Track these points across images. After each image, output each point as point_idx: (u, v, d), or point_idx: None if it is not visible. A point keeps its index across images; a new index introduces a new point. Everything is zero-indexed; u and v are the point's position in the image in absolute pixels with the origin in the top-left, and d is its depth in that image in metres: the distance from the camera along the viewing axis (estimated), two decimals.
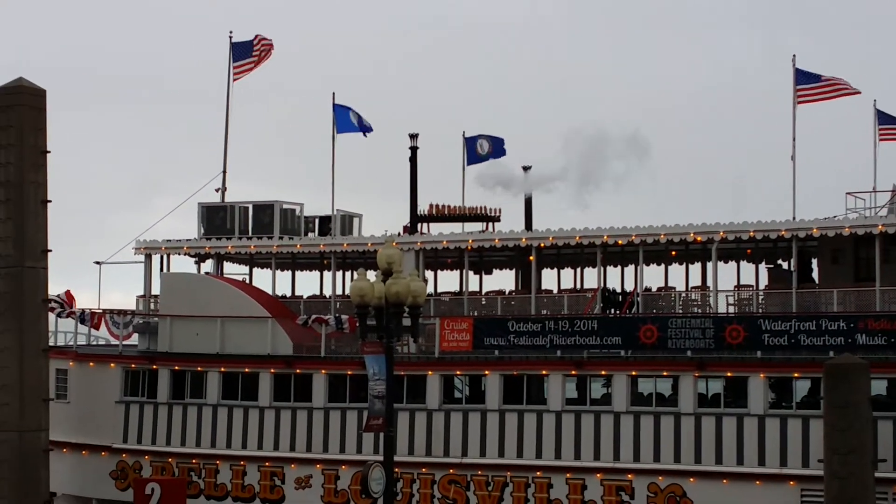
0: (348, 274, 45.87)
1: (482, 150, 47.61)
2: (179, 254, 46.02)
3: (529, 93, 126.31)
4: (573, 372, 38.79)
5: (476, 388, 41.15)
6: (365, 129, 46.51)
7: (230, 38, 47.14)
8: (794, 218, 38.68)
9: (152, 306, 45.67)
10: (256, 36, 47.28)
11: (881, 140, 41.80)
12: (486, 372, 39.78)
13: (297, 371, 41.93)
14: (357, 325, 29.95)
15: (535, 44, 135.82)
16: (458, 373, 40.75)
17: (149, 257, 45.90)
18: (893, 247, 38.23)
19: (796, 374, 36.41)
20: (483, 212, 45.08)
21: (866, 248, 38.36)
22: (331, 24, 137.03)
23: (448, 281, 47.43)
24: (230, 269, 47.85)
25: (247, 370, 42.47)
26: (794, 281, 38.36)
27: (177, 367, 43.42)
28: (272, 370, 42.14)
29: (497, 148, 47.81)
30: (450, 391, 40.97)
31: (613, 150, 43.08)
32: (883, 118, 41.92)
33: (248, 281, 46.93)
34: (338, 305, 43.49)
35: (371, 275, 28.37)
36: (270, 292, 44.84)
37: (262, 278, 46.98)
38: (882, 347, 35.14)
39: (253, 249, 44.90)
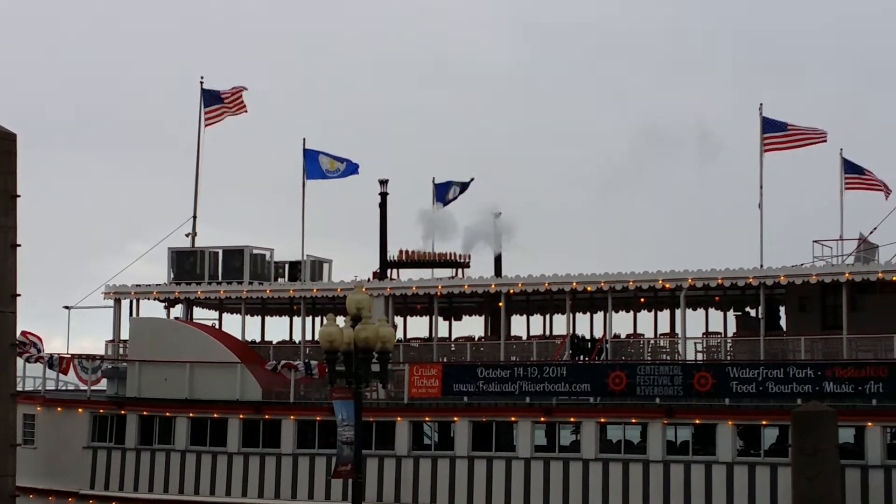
0: (318, 319, 45.80)
1: (453, 195, 47.74)
2: (149, 298, 45.90)
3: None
4: (542, 419, 38.80)
5: (445, 435, 41.10)
6: (349, 170, 46.43)
7: (201, 83, 47.31)
8: (761, 266, 38.91)
9: (121, 351, 45.50)
10: (233, 89, 47.38)
11: (847, 189, 42.16)
12: (455, 418, 39.75)
13: (266, 417, 41.79)
14: (326, 370, 29.92)
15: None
16: (426, 419, 40.69)
17: (118, 302, 45.78)
18: (860, 295, 38.51)
19: (764, 422, 36.51)
20: (453, 258, 45.19)
21: (833, 296, 38.60)
22: (305, 68, 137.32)
23: (417, 327, 47.50)
24: (200, 314, 47.77)
25: (215, 416, 42.31)
26: (761, 328, 38.53)
27: (145, 413, 43.23)
28: (241, 416, 41.99)
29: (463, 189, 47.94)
30: (419, 437, 40.89)
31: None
32: (849, 167, 42.30)
33: (217, 326, 46.81)
34: (307, 351, 43.44)
35: (340, 320, 28.38)
36: (240, 337, 44.73)
37: (232, 323, 46.92)
38: (849, 395, 35.29)
39: (223, 294, 44.83)
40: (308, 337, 44.40)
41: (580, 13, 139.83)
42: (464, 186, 48.07)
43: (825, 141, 41.52)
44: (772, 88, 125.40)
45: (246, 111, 47.46)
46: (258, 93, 46.99)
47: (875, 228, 40.20)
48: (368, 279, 43.94)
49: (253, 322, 48.15)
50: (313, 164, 46.16)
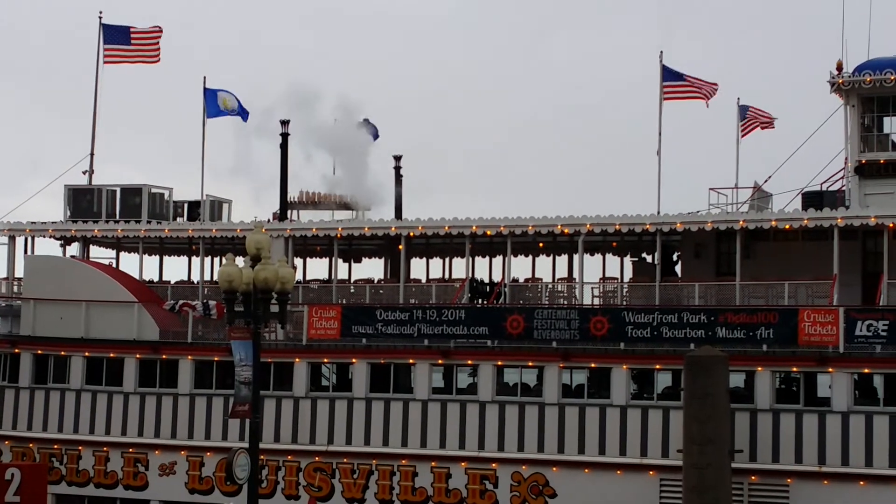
0: (217, 260, 45.60)
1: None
2: (44, 236, 45.27)
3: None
4: (440, 361, 39.07)
5: (343, 376, 41.27)
6: (242, 112, 45.94)
7: (100, 18, 46.46)
8: (658, 212, 39.36)
9: (15, 289, 44.94)
10: (149, 30, 45.99)
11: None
12: (354, 360, 39.90)
13: (164, 357, 41.63)
14: (225, 310, 29.85)
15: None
16: (325, 360, 40.79)
17: (12, 239, 45.11)
18: (754, 242, 39.21)
19: (658, 366, 37.10)
20: (353, 200, 45.12)
21: (728, 244, 39.27)
22: (209, 5, 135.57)
23: (317, 268, 47.52)
24: (96, 252, 47.26)
25: (112, 355, 42.04)
26: (657, 274, 39.06)
27: (40, 352, 42.83)
28: (138, 356, 41.78)
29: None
30: (317, 379, 41.00)
31: None
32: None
33: (114, 265, 46.38)
34: (206, 291, 43.25)
35: (240, 261, 28.31)
36: (137, 277, 44.39)
37: (130, 263, 46.51)
38: (741, 341, 35.93)
39: (120, 233, 44.40)
40: (207, 277, 44.20)
41: None
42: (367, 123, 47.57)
43: (711, 96, 41.95)
44: (678, 35, 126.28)
45: (158, 60, 46.34)
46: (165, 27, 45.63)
47: (769, 177, 40.92)
48: (268, 220, 43.79)
49: (151, 262, 47.84)
50: (213, 103, 45.67)
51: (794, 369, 35.74)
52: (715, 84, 42.09)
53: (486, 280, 43.45)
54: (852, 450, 34.68)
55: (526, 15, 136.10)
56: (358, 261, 48.34)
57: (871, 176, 38.71)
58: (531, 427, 37.77)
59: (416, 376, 39.26)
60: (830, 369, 35.09)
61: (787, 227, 37.29)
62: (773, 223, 37.23)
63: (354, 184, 45.24)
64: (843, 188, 39.72)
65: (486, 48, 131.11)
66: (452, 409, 38.63)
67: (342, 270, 46.39)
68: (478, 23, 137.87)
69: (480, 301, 41.33)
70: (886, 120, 39.64)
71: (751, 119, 43.73)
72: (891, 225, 35.91)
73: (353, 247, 46.40)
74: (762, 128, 44.49)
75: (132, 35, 46.11)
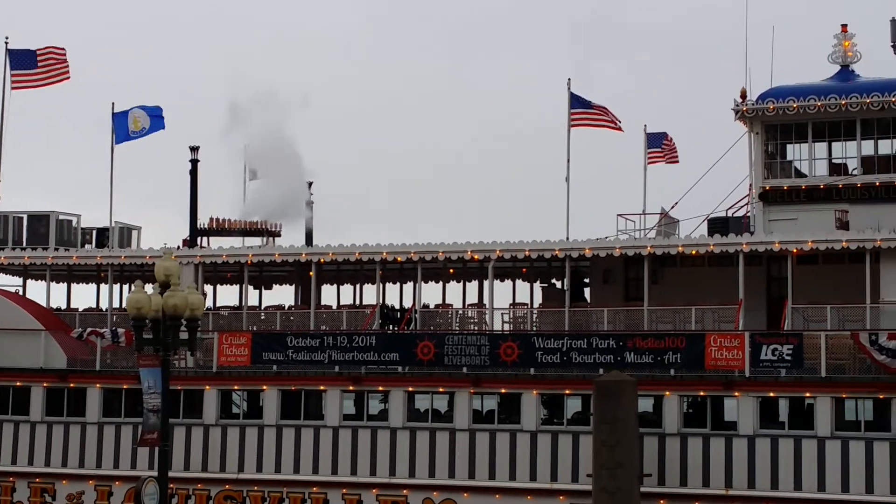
0: (126, 287, 45.23)
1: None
2: None
3: None
4: (351, 387, 39.06)
5: (254, 403, 41.07)
6: (154, 125, 45.30)
7: (6, 44, 45.89)
8: (567, 238, 39.69)
9: None
10: (47, 49, 45.46)
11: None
12: (264, 387, 39.75)
13: (71, 385, 41.19)
14: (133, 337, 29.64)
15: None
16: (235, 387, 40.60)
17: None
18: (661, 268, 39.70)
19: (567, 391, 37.38)
20: (264, 226, 45.06)
21: (636, 269, 39.73)
22: (116, 30, 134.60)
23: (227, 295, 47.25)
24: (3, 280, 46.66)
25: (18, 384, 41.52)
26: (566, 300, 39.38)
27: None
28: (45, 384, 41.30)
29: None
30: (227, 406, 40.78)
31: None
32: (577, 102, 42.77)
33: (21, 293, 45.81)
34: (114, 319, 42.87)
35: (149, 288, 28.15)
36: (45, 305, 43.90)
37: (37, 290, 45.94)
38: (649, 365, 36.33)
39: (27, 260, 43.90)
40: (116, 304, 43.82)
41: None
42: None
43: (621, 129, 42.44)
44: (592, 61, 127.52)
45: (68, 77, 45.79)
46: (72, 51, 45.18)
47: (676, 203, 41.47)
48: (178, 247, 43.56)
49: (59, 289, 47.27)
50: (122, 127, 45.22)
51: (702, 393, 36.19)
52: (617, 122, 42.48)
53: (397, 306, 43.55)
54: (758, 473, 35.16)
55: (438, 40, 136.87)
56: (269, 287, 48.21)
57: (775, 202, 39.41)
58: (442, 453, 37.85)
59: (327, 403, 39.22)
60: (736, 393, 35.58)
61: (694, 252, 37.81)
62: (680, 249, 37.72)
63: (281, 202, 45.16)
64: (748, 214, 40.38)
65: (395, 72, 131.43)
66: (363, 435, 38.63)
67: (253, 297, 46.24)
68: (388, 47, 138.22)
69: (391, 327, 41.40)
70: (790, 147, 40.41)
71: (665, 149, 44.08)
72: (794, 251, 36.54)
73: (263, 273, 46.26)
74: (667, 161, 45.05)
75: (38, 57, 45.54)
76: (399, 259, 40.47)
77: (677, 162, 44.34)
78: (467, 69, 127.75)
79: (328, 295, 45.59)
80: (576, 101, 42.29)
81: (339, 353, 39.04)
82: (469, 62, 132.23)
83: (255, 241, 44.87)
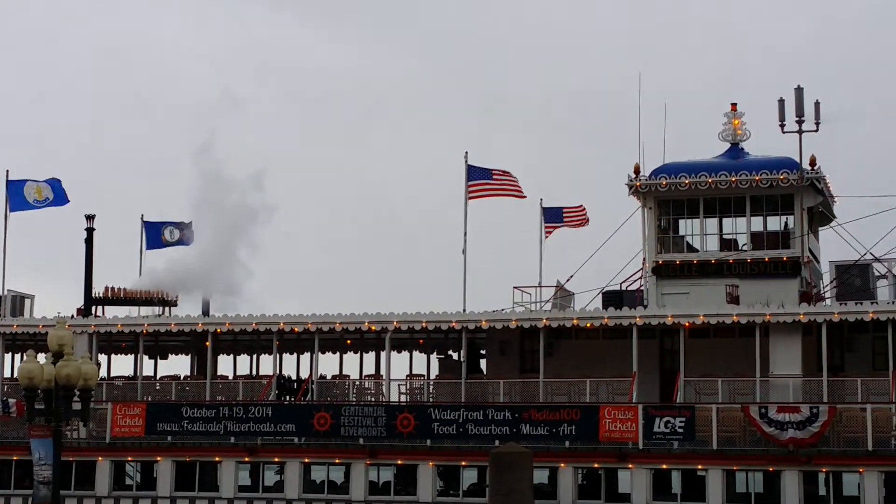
0: (18, 356, 44.59)
1: (171, 237, 47.09)
2: None
3: None
4: (246, 458, 38.85)
5: (147, 475, 40.65)
6: (58, 199, 45.02)
7: None
8: (464, 310, 39.97)
9: None
10: None
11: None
12: (158, 458, 39.39)
13: None
14: (25, 408, 29.26)
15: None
16: (129, 458, 40.19)
17: None
18: (557, 340, 40.10)
19: (464, 462, 37.51)
20: (160, 296, 44.78)
21: (531, 341, 40.07)
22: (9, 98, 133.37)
23: (122, 365, 46.84)
24: None
25: None
26: (463, 371, 39.59)
27: None
28: None
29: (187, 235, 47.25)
30: (120, 477, 40.29)
31: None
32: (549, 216, 43.84)
33: None
34: (6, 388, 42.24)
35: (42, 357, 27.85)
36: None
37: None
38: (545, 437, 36.61)
39: None
40: (7, 374, 43.19)
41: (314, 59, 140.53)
42: (182, 227, 47.40)
43: (524, 195, 42.92)
44: (486, 135, 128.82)
45: None
46: None
47: (571, 276, 41.96)
48: (72, 316, 43.12)
49: None
50: (17, 195, 44.78)
51: (596, 465, 36.51)
52: (519, 189, 42.90)
53: (294, 377, 43.46)
54: None
55: (337, 111, 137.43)
56: (164, 357, 47.82)
57: (668, 276, 40.10)
58: None
59: (223, 474, 38.94)
60: (630, 465, 35.96)
61: (589, 325, 38.28)
62: (575, 321, 38.15)
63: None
64: (642, 288, 41.00)
65: (287, 142, 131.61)
66: None
67: (148, 367, 45.87)
68: (276, 113, 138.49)
69: (288, 398, 41.28)
70: (682, 222, 41.21)
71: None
72: (686, 324, 37.14)
73: (159, 343, 45.92)
74: (575, 226, 45.17)
75: None
76: (296, 329, 40.47)
77: (587, 223, 44.53)
78: (368, 140, 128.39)
79: (225, 365, 45.43)
80: (474, 173, 42.66)
81: (235, 423, 38.85)
82: (370, 133, 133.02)
83: (151, 311, 44.53)
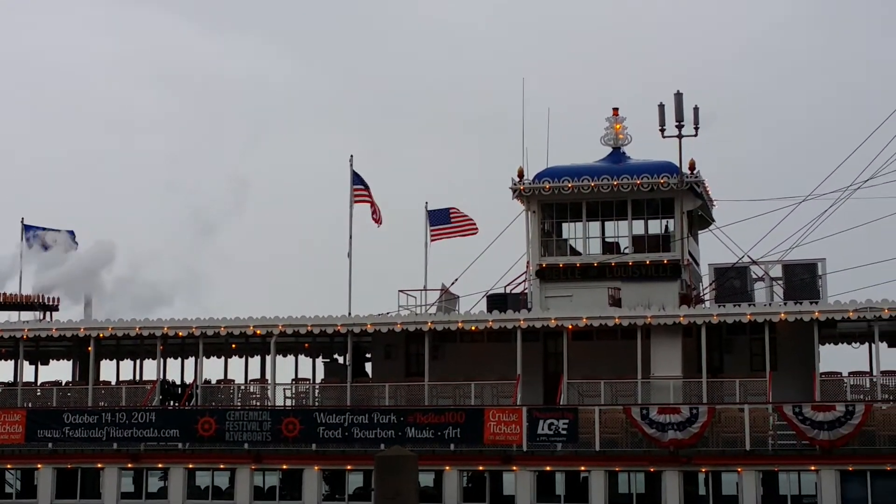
0: None
1: (50, 241, 46.29)
2: None
3: None
4: (129, 465, 38.52)
5: (28, 482, 40.08)
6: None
7: None
8: (349, 314, 40.01)
9: None
10: None
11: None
12: (39, 465, 38.86)
13: None
14: None
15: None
16: (8, 466, 39.61)
17: None
18: (442, 343, 40.30)
19: (349, 467, 37.54)
20: (41, 300, 44.13)
21: (417, 344, 40.20)
22: None
23: (2, 371, 46.04)
24: None
25: None
26: (348, 375, 39.60)
27: None
28: None
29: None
30: (0, 485, 39.69)
31: None
32: (434, 218, 43.97)
33: None
34: None
35: None
36: None
37: None
38: (430, 440, 36.78)
39: None
40: None
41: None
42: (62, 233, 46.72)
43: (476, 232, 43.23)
44: (373, 138, 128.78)
45: None
46: None
47: (456, 280, 42.17)
48: None
49: None
50: None
51: (481, 468, 36.76)
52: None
53: (178, 381, 43.12)
54: None
55: (224, 114, 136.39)
56: (45, 363, 47.08)
57: (552, 279, 40.49)
58: None
59: (105, 481, 38.55)
60: (514, 468, 36.26)
61: (473, 328, 38.51)
62: (460, 325, 38.37)
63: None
64: (526, 291, 41.35)
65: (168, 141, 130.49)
66: None
67: (28, 373, 45.15)
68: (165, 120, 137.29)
69: (172, 403, 40.98)
70: (565, 225, 41.63)
71: (454, 224, 44.35)
72: (570, 327, 37.54)
73: (39, 348, 45.24)
74: (463, 235, 45.34)
75: None
76: (180, 334, 40.18)
77: (476, 232, 44.67)
78: (259, 143, 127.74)
79: (107, 370, 44.91)
80: (358, 178, 42.82)
81: (118, 429, 38.52)
82: (261, 137, 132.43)
83: (31, 315, 43.89)
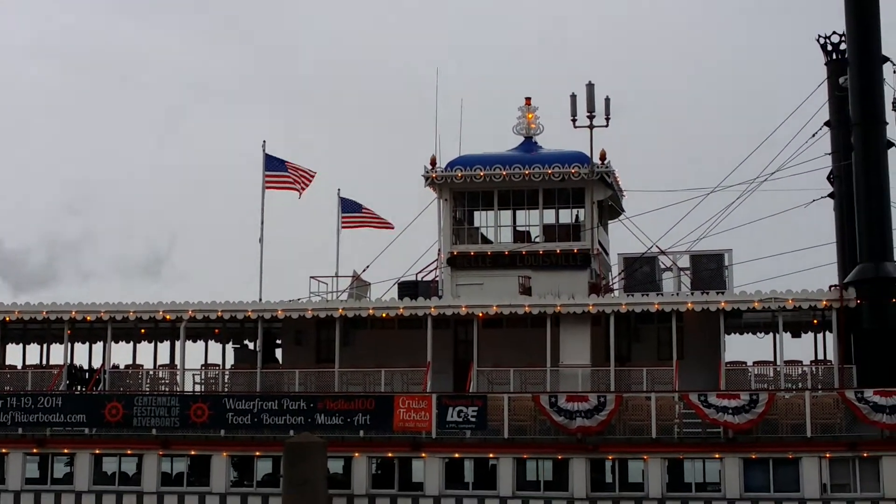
0: None
1: None
2: None
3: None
4: (35, 450, 38.15)
5: None
6: None
7: None
8: (260, 299, 39.90)
9: None
10: None
11: (344, 228, 43.90)
12: None
13: None
14: None
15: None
16: None
17: None
18: (353, 330, 40.34)
19: (258, 453, 37.47)
20: None
21: (327, 331, 40.21)
22: None
23: None
24: None
25: None
26: (258, 361, 39.50)
27: None
28: None
29: None
30: None
31: None
32: (347, 206, 44.03)
33: None
34: None
35: None
36: None
37: None
38: (339, 427, 36.80)
39: None
40: None
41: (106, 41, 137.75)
42: None
43: (305, 187, 42.81)
44: (285, 123, 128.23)
45: None
46: None
47: (367, 267, 42.22)
48: None
49: None
50: None
51: (390, 455, 36.85)
52: (313, 172, 42.93)
53: (86, 366, 42.73)
54: None
55: (141, 98, 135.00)
56: None
57: (463, 267, 40.71)
58: None
59: (9, 466, 38.14)
60: (423, 454, 36.40)
61: (384, 315, 38.60)
62: (371, 311, 38.45)
63: None
64: (437, 279, 41.51)
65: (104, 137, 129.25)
66: (47, 500, 37.78)
67: None
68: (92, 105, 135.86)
69: (79, 388, 40.61)
70: (477, 214, 41.89)
71: (362, 219, 44.30)
72: (480, 314, 37.74)
73: None
74: (376, 227, 45.28)
75: None
76: (88, 318, 39.85)
77: (392, 227, 44.60)
78: (180, 127, 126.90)
79: (13, 354, 44.38)
80: (270, 163, 42.57)
81: (23, 414, 38.13)
82: (183, 120, 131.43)
83: None
